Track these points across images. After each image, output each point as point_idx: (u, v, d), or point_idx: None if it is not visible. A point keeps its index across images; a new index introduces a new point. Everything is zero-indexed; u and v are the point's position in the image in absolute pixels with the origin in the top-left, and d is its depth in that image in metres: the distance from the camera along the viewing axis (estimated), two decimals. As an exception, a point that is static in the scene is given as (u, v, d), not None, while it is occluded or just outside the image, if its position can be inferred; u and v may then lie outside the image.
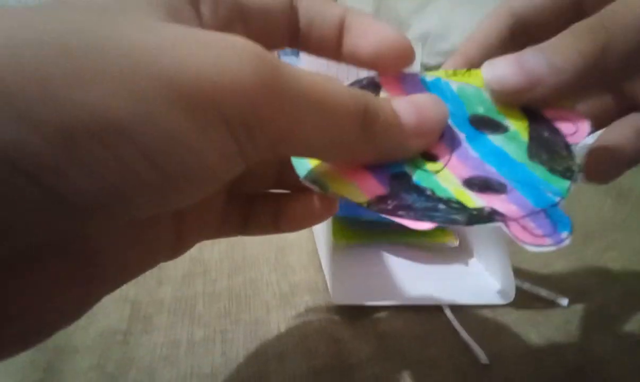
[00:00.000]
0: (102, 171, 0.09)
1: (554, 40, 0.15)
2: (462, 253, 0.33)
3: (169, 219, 0.16)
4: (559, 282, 0.30)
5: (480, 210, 0.14)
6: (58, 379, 0.22)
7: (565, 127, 0.16)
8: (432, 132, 0.15)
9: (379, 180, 0.15)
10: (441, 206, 0.14)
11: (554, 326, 0.26)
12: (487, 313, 0.27)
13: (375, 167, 0.15)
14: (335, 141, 0.13)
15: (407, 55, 0.16)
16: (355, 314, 0.26)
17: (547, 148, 0.16)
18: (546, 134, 0.16)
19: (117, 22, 0.10)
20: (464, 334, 0.25)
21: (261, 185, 0.20)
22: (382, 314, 0.27)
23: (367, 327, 0.26)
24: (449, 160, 0.15)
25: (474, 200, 0.14)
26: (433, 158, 0.15)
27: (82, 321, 0.18)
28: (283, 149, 0.12)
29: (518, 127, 0.16)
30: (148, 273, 0.16)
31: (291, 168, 0.16)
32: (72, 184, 0.09)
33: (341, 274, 0.29)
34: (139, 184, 0.10)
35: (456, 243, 0.33)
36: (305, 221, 0.18)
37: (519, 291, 0.27)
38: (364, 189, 0.14)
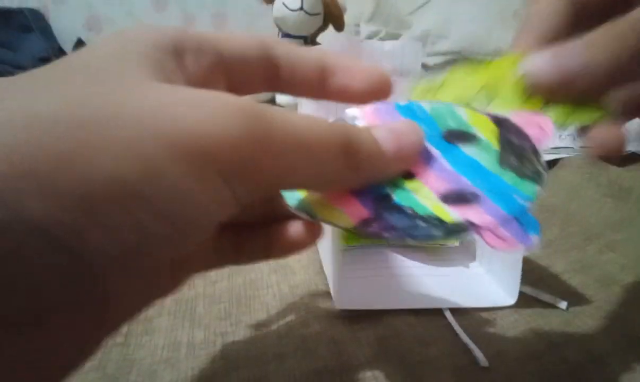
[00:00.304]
0: (118, 229, 0.10)
1: (589, 39, 0.16)
2: (463, 256, 0.33)
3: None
4: (558, 282, 0.30)
5: (456, 223, 0.15)
6: None
7: (532, 131, 0.17)
8: (411, 155, 0.16)
9: (363, 203, 0.16)
10: (421, 223, 0.15)
11: (553, 326, 0.26)
12: (486, 315, 0.27)
13: (359, 191, 0.16)
14: (322, 176, 0.14)
15: (389, 87, 0.18)
16: (355, 315, 0.27)
17: (517, 154, 0.16)
18: (515, 140, 0.17)
19: (119, 90, 0.11)
20: (463, 335, 0.25)
21: (251, 216, 0.20)
22: (382, 315, 0.27)
23: (367, 329, 0.26)
24: (426, 177, 0.16)
25: (451, 213, 0.15)
26: (412, 176, 0.16)
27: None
28: (274, 190, 0.13)
29: (489, 136, 0.17)
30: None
31: (278, 198, 0.17)
32: (90, 244, 0.10)
33: (344, 278, 0.29)
34: (150, 237, 0.11)
35: (456, 243, 0.34)
36: (294, 247, 0.19)
37: (518, 293, 0.27)
38: (350, 214, 0.15)
